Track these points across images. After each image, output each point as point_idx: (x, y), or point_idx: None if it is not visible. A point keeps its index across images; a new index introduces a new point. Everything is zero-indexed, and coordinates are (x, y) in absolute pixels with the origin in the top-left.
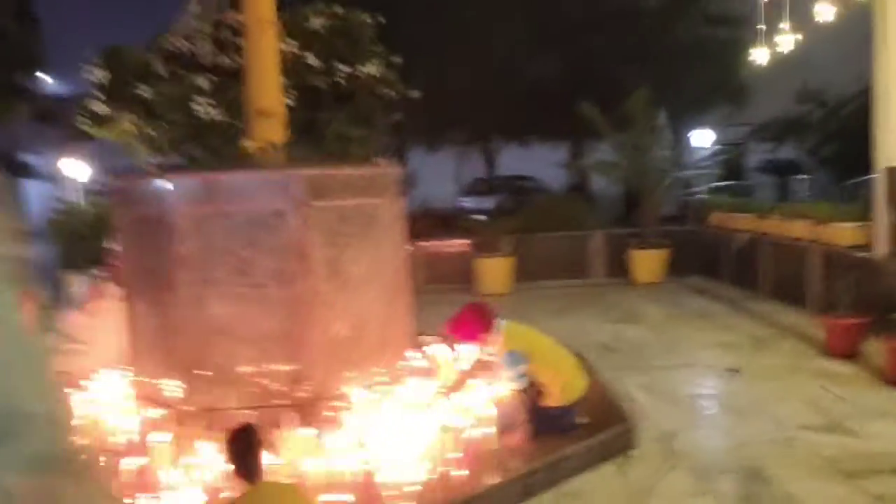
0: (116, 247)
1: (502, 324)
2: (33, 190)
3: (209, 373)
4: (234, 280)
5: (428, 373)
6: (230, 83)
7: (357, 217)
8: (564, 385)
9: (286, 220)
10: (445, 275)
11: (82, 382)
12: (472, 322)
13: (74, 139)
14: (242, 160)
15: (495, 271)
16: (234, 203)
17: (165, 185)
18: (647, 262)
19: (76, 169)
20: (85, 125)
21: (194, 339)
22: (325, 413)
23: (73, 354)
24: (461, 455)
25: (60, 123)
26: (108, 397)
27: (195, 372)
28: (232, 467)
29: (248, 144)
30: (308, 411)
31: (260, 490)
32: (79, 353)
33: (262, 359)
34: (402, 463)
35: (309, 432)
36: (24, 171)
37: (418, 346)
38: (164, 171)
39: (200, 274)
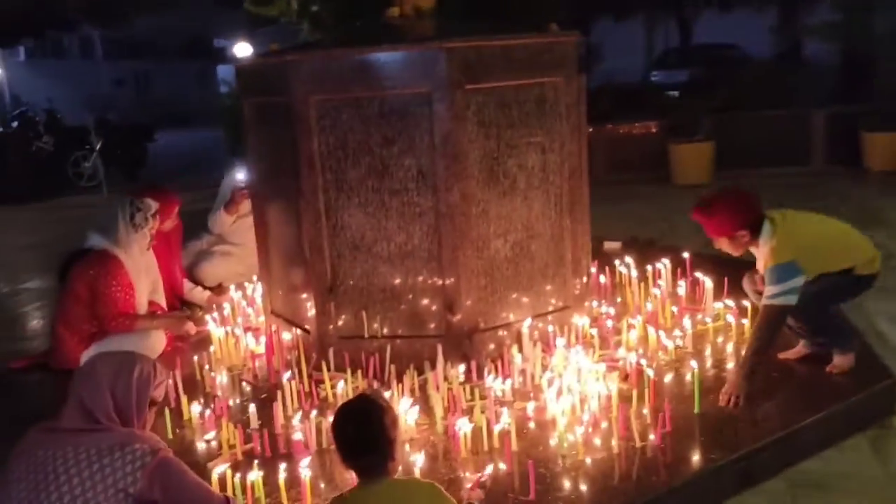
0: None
1: (772, 220)
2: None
3: (342, 295)
4: (371, 184)
5: (613, 296)
6: None
7: (523, 102)
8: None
9: (432, 108)
10: (632, 163)
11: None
12: (729, 214)
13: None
14: (382, 33)
15: (692, 158)
16: (367, 87)
17: (289, 66)
18: (885, 147)
19: (244, 52)
20: (249, 4)
21: (325, 254)
22: (483, 348)
23: (222, 258)
24: (656, 418)
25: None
26: (245, 311)
27: (328, 294)
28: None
29: (392, 12)
30: (462, 345)
31: (379, 492)
32: (228, 256)
33: (405, 280)
34: (578, 423)
35: (462, 371)
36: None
37: (599, 260)
38: (289, 49)
39: (331, 176)
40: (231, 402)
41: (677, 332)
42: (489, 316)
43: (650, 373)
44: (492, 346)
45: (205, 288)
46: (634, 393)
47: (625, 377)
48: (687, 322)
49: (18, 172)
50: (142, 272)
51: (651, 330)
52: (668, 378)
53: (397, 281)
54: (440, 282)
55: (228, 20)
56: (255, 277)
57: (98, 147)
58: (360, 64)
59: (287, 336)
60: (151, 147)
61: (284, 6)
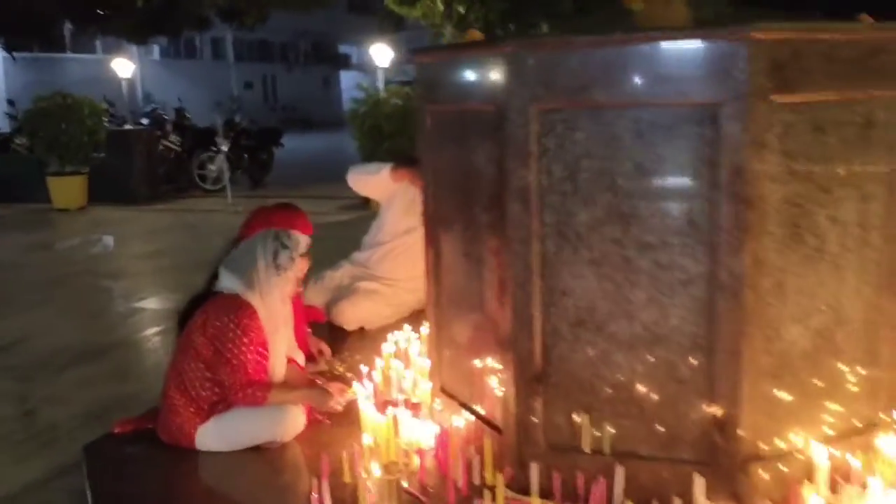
0: (419, 155)
1: None
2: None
3: (556, 388)
4: (610, 234)
5: None
6: None
7: (843, 125)
8: None
9: (719, 127)
10: None
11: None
12: None
13: (385, 27)
14: (623, 24)
15: None
16: (619, 94)
17: (507, 60)
18: None
19: (383, 57)
20: (392, 3)
21: (535, 328)
22: (763, 485)
23: (367, 297)
24: None
25: (373, 11)
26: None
27: (534, 384)
28: None
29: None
30: (734, 479)
31: None
32: (374, 295)
33: (652, 377)
34: None
35: None
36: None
37: None
38: (498, 40)
39: (553, 220)
40: None
41: None
42: (774, 437)
43: None
44: (774, 482)
45: (345, 332)
46: None
47: None
48: None
49: (144, 171)
50: (280, 327)
51: None
52: None
53: (640, 377)
54: (708, 384)
55: (356, 25)
56: (407, 327)
57: (225, 149)
58: (613, 60)
59: (457, 422)
60: (278, 152)
61: (428, 7)
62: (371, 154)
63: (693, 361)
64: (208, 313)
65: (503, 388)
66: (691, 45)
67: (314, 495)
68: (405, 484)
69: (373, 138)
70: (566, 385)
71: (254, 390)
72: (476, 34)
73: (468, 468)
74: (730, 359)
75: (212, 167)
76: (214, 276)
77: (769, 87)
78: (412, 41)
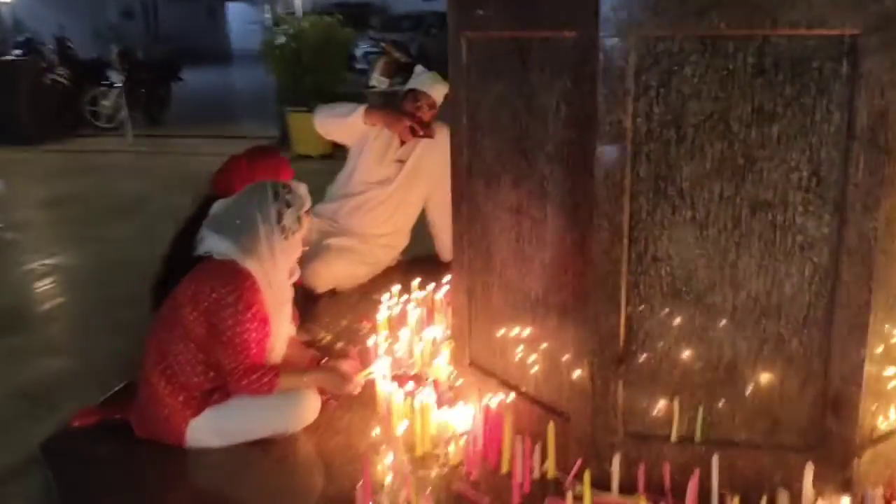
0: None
1: None
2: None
3: (640, 369)
4: (720, 190)
5: None
6: None
7: None
8: None
9: (857, 64)
10: None
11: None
12: None
13: None
14: None
15: None
16: (735, 21)
17: None
18: None
19: None
20: None
21: (621, 300)
22: (879, 473)
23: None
24: None
25: None
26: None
27: (616, 366)
28: None
29: None
30: (846, 466)
31: None
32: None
33: (755, 353)
34: None
35: None
36: None
37: None
38: None
39: (648, 173)
40: None
41: None
42: (884, 419)
43: None
44: (881, 467)
45: (314, 295)
46: None
47: None
48: None
49: (31, 108)
50: (284, 302)
51: None
52: None
53: (743, 353)
54: (822, 362)
55: None
56: (394, 288)
57: (120, 84)
58: None
59: (491, 399)
60: (175, 87)
61: None
62: (293, 90)
63: (807, 335)
64: (199, 282)
65: (574, 369)
66: None
67: None
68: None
69: (293, 73)
70: (653, 366)
71: (260, 375)
72: None
73: (528, 460)
74: (852, 334)
75: (105, 103)
76: (187, 237)
77: None
78: None
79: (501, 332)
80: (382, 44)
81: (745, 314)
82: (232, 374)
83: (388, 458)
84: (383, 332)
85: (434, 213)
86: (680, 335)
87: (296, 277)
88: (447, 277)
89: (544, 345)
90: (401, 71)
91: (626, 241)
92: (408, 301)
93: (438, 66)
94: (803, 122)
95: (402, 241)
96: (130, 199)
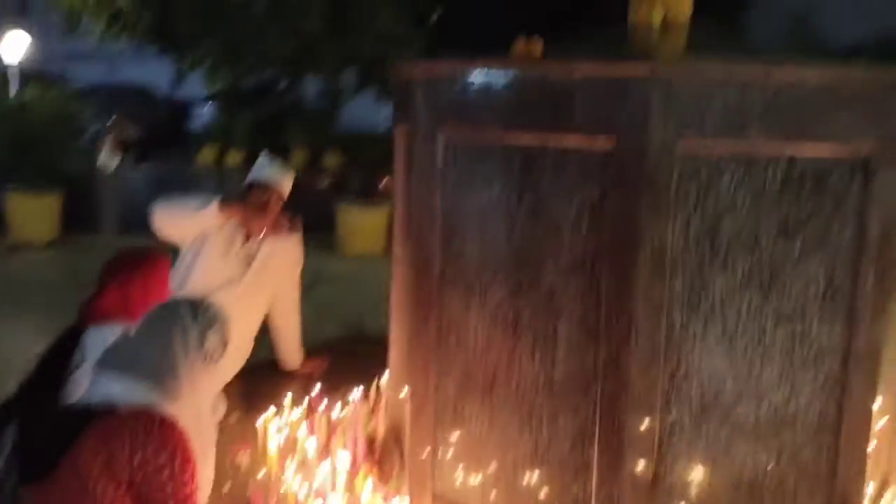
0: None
1: None
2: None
3: (670, 493)
4: (748, 302)
5: None
6: None
7: None
8: None
9: (870, 182)
10: None
11: None
12: None
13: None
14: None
15: None
16: (769, 137)
17: (650, 86)
18: None
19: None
20: None
21: (655, 422)
22: None
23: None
24: None
25: None
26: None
27: (649, 490)
28: None
29: (645, 13)
30: None
31: None
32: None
33: (773, 465)
34: None
35: None
36: None
37: None
38: (632, 62)
39: (684, 286)
40: None
41: None
42: None
43: None
44: None
45: None
46: None
47: None
48: None
49: None
50: (208, 447)
51: None
52: None
53: (763, 466)
54: (830, 466)
55: None
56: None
57: None
58: (773, 96)
59: None
60: None
61: None
62: (15, 169)
63: (818, 443)
64: (110, 444)
65: (597, 495)
66: (848, 83)
67: None
68: None
69: (18, 148)
70: (681, 485)
71: None
72: (534, 47)
73: None
74: (854, 439)
75: None
76: (49, 386)
77: None
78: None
79: (483, 462)
80: (113, 118)
81: (767, 427)
82: None
83: None
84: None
85: (279, 318)
86: (707, 454)
87: (221, 414)
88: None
89: (549, 471)
90: (132, 148)
91: (662, 357)
92: (296, 423)
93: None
94: (822, 235)
95: (248, 348)
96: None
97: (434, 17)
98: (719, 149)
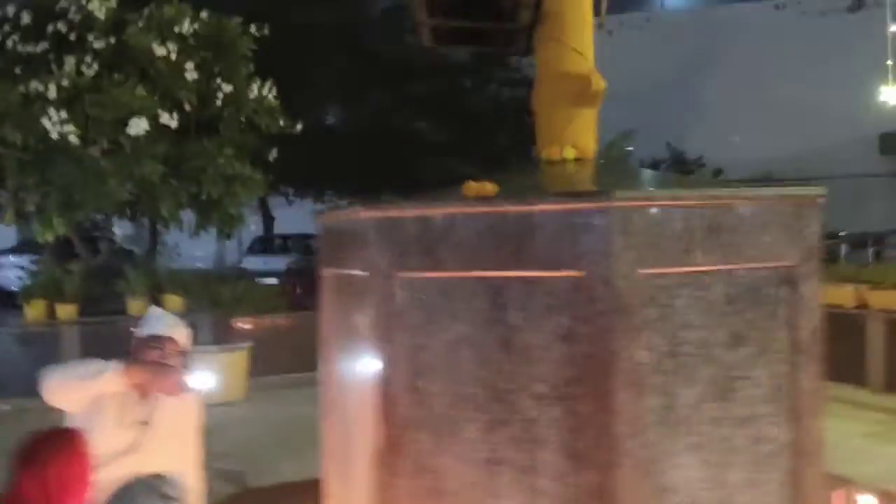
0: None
1: None
2: None
3: None
4: (710, 412)
5: None
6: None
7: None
8: None
9: (797, 290)
10: None
11: None
12: None
13: None
14: (544, 179)
15: None
16: (713, 257)
17: (610, 220)
18: None
19: None
20: None
21: None
22: None
23: None
24: None
25: None
26: None
27: None
28: None
29: (557, 150)
30: None
31: None
32: None
33: None
34: None
35: None
36: None
37: None
38: (593, 195)
39: (657, 404)
40: None
41: None
42: None
43: None
44: None
45: None
46: None
47: None
48: None
49: None
50: None
51: None
52: None
53: None
54: None
55: None
56: None
57: None
58: (710, 220)
59: None
60: None
61: None
62: None
63: None
64: None
65: None
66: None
67: None
68: None
69: None
70: None
71: None
72: (486, 188)
73: None
74: None
75: None
76: None
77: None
78: None
79: None
80: None
81: None
82: None
83: None
84: None
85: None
86: None
87: None
88: None
89: None
90: None
91: (647, 476)
92: None
93: None
94: (765, 343)
95: None
96: None
97: (271, 156)
98: (673, 270)
